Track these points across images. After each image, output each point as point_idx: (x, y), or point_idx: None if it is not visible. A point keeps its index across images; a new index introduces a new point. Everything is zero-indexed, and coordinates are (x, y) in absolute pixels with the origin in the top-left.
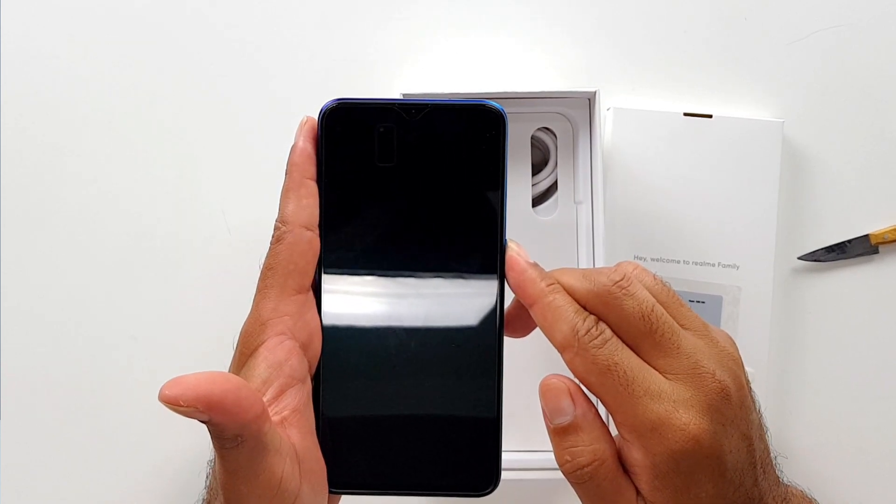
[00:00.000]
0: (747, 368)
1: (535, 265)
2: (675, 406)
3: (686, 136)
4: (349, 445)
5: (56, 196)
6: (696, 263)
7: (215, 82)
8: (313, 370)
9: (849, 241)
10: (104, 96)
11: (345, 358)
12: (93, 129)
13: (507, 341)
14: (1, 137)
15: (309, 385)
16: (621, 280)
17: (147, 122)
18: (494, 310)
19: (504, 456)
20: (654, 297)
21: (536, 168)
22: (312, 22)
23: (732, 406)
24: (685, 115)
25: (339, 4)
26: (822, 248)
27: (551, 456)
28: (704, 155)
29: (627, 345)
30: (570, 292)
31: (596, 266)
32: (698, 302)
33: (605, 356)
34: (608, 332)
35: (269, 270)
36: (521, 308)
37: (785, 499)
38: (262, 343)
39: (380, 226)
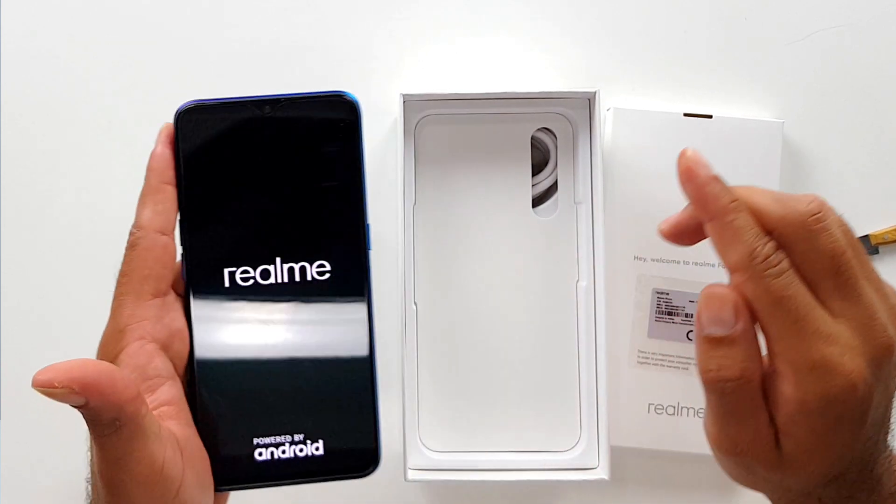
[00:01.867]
0: None
1: (717, 178)
2: (843, 351)
3: (686, 136)
4: (229, 441)
5: (56, 196)
6: (696, 263)
7: (215, 83)
8: (180, 370)
9: None
10: (104, 96)
11: (216, 355)
12: (93, 130)
13: (505, 344)
14: (1, 137)
15: (178, 382)
16: (819, 213)
17: (147, 123)
18: (363, 292)
19: (504, 456)
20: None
21: (536, 168)
22: (312, 22)
23: (892, 364)
24: (685, 115)
25: (339, 4)
26: None
27: (550, 456)
28: (704, 155)
29: (805, 280)
30: (758, 214)
31: (596, 266)
32: None
33: (780, 287)
34: (786, 262)
35: (124, 277)
36: (695, 218)
37: (889, 460)
38: (123, 349)
39: (243, 222)
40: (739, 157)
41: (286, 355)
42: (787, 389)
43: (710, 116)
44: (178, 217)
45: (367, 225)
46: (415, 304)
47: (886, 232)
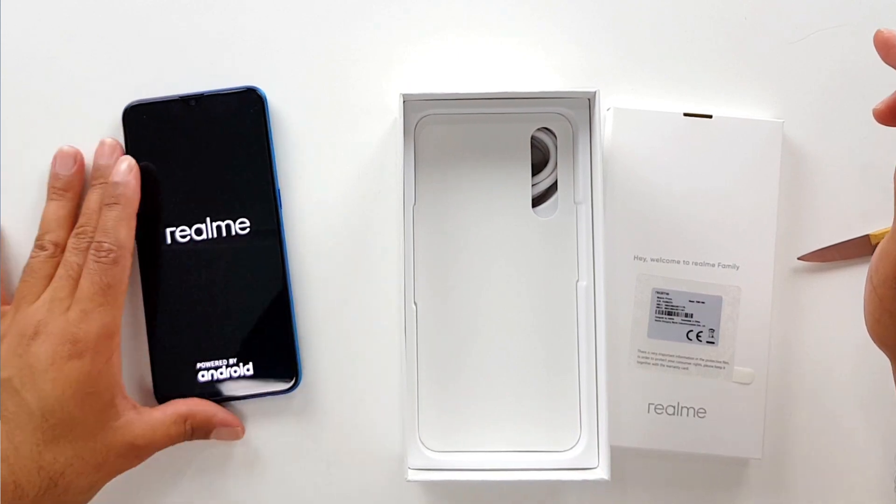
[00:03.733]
0: (746, 369)
1: None
2: None
3: (686, 136)
4: (179, 368)
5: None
6: (696, 263)
7: (213, 84)
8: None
9: (849, 242)
10: (104, 96)
11: (165, 299)
12: (93, 130)
13: (505, 344)
14: (1, 137)
15: None
16: None
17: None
18: (278, 240)
19: (504, 456)
20: None
21: (536, 168)
22: (312, 22)
23: None
24: (685, 115)
25: (338, 5)
26: (822, 248)
27: (550, 456)
28: (704, 155)
29: None
30: None
31: (596, 266)
32: (698, 302)
33: None
34: None
35: (110, 289)
36: None
37: None
38: (114, 351)
39: (179, 191)
40: (739, 157)
41: (220, 295)
42: None
43: (710, 116)
44: None
45: (278, 188)
46: (415, 304)
47: (886, 232)
